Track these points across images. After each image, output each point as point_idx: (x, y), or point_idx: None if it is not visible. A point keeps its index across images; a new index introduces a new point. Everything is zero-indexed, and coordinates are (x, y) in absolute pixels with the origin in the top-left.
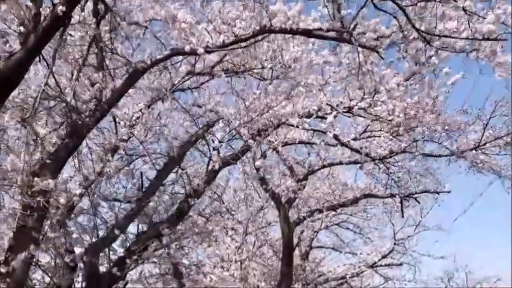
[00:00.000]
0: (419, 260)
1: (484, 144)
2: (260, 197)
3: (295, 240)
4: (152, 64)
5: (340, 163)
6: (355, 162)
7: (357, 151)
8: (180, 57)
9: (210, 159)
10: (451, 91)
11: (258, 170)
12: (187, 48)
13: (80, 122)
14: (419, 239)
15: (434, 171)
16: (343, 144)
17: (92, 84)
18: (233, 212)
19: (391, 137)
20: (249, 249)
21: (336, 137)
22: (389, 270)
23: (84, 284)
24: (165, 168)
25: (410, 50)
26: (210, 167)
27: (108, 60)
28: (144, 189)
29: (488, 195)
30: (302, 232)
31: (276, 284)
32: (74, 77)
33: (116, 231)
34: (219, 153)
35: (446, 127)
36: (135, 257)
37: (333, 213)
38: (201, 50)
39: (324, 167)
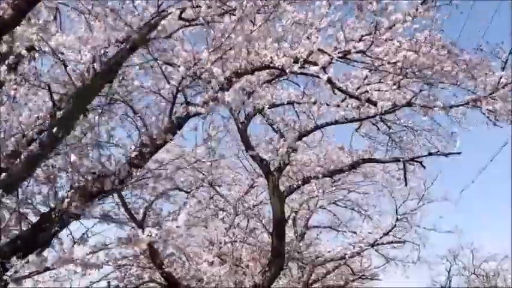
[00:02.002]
0: (424, 235)
1: (503, 87)
2: (247, 170)
3: (290, 216)
4: None
5: (336, 123)
6: (353, 121)
7: (356, 97)
8: None
9: (173, 103)
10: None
11: (238, 126)
12: None
13: None
14: (424, 212)
15: (442, 127)
16: (339, 90)
17: None
18: (220, 187)
19: (394, 88)
20: (241, 230)
21: (330, 81)
22: (391, 250)
23: None
24: (89, 85)
25: None
26: (173, 115)
27: None
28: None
29: (498, 164)
30: (297, 212)
31: (266, 263)
32: None
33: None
34: (186, 98)
35: (464, 67)
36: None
37: (329, 190)
38: None
39: (316, 128)
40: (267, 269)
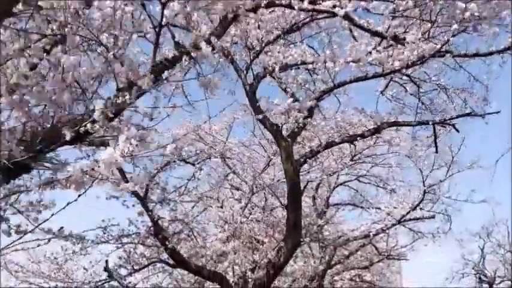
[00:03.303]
0: (455, 207)
1: None
2: (266, 151)
3: (307, 187)
4: None
5: (356, 80)
6: (375, 76)
7: (380, 35)
8: None
9: (156, 42)
10: None
11: (246, 89)
12: None
13: None
14: (453, 181)
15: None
16: (359, 27)
17: None
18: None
19: (420, 36)
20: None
21: (348, 17)
22: (419, 224)
23: None
24: None
25: None
26: (159, 56)
27: None
28: None
29: None
30: (317, 189)
31: (281, 238)
32: None
33: None
34: (173, 37)
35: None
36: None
37: (351, 163)
38: None
39: (334, 88)
40: (282, 244)
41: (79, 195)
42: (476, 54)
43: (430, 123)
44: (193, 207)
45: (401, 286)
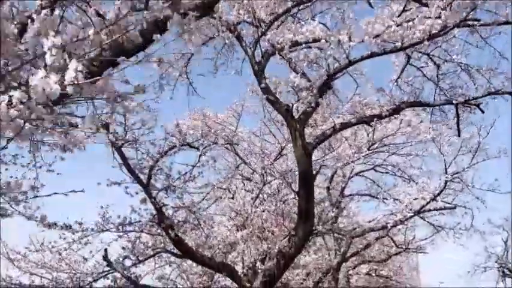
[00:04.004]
0: (480, 198)
1: None
2: (276, 138)
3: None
4: None
5: (372, 55)
6: (393, 51)
7: None
8: None
9: (146, 5)
10: None
11: (254, 67)
12: None
13: None
14: (477, 172)
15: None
16: None
17: None
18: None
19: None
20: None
21: None
22: (439, 217)
23: None
24: None
25: None
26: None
27: None
28: None
29: None
30: (331, 179)
31: (292, 227)
32: None
33: None
34: None
35: None
36: None
37: (367, 152)
38: None
39: (349, 64)
40: (293, 233)
41: (9, 140)
42: (507, 22)
43: (454, 103)
44: (203, 198)
45: (419, 282)
